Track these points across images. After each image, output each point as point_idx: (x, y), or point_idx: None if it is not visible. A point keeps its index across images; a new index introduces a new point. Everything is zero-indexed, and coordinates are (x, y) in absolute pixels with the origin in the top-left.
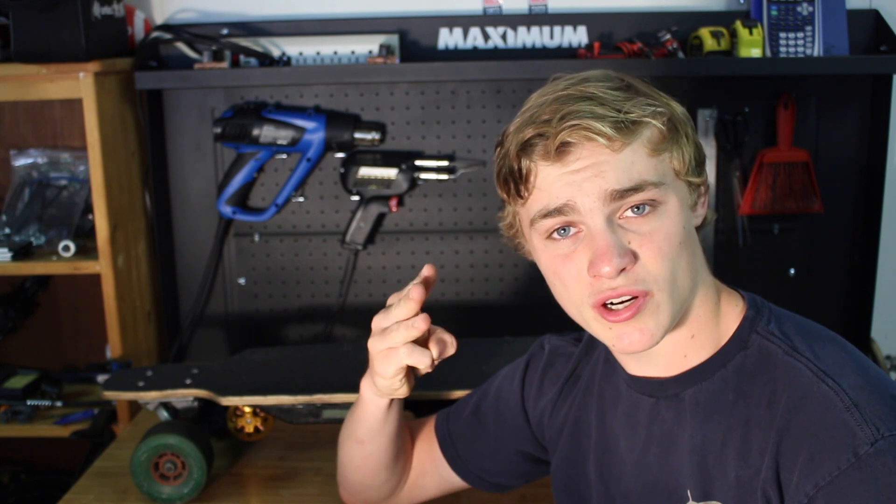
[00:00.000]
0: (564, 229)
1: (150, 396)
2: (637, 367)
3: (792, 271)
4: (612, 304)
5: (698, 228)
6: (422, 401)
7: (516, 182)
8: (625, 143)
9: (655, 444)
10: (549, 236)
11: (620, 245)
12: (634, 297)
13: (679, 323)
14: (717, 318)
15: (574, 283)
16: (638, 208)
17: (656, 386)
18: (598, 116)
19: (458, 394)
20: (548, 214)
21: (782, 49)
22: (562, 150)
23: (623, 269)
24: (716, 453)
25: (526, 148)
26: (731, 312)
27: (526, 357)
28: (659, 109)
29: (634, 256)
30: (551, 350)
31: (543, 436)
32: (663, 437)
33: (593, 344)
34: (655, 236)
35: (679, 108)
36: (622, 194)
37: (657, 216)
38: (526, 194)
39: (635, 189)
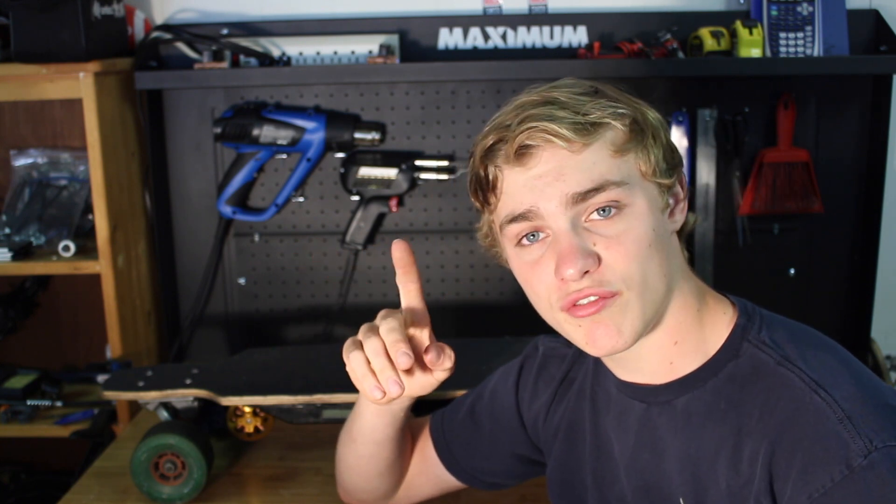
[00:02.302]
0: (533, 234)
1: (150, 396)
2: (624, 373)
3: (792, 271)
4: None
5: (680, 234)
6: (421, 401)
7: (484, 189)
8: (584, 144)
9: (646, 449)
10: (519, 242)
11: (584, 247)
12: (601, 297)
13: (658, 328)
14: (701, 325)
15: (544, 289)
16: (603, 210)
17: (647, 392)
18: (555, 118)
19: (458, 394)
20: (514, 219)
21: (782, 49)
22: (522, 152)
23: (587, 272)
24: (708, 463)
25: (489, 154)
26: (721, 320)
27: (520, 359)
28: (621, 111)
29: (599, 259)
30: (545, 352)
31: (538, 438)
32: (655, 442)
33: None
34: (622, 238)
35: (651, 114)
36: (583, 196)
37: (623, 218)
38: (494, 200)
39: (596, 189)
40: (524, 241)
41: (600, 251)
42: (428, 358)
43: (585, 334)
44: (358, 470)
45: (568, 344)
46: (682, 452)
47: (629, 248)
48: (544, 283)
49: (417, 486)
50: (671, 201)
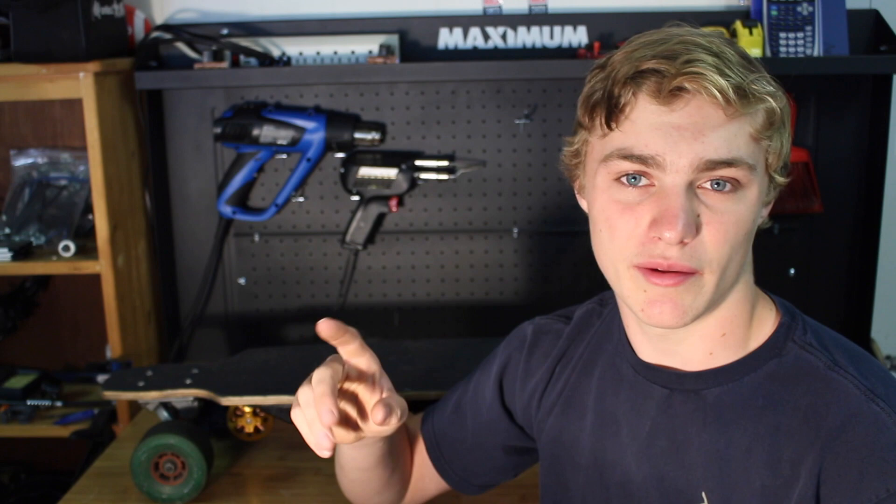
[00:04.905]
0: (636, 177)
1: (150, 396)
2: (654, 354)
3: (792, 271)
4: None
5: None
6: (421, 401)
7: (610, 110)
8: (738, 111)
9: (664, 437)
10: (617, 179)
11: (690, 214)
12: (681, 272)
13: (711, 318)
14: (750, 321)
15: (624, 238)
16: (719, 184)
17: (672, 377)
18: (724, 74)
19: None
20: (628, 157)
21: (782, 49)
22: (674, 93)
23: (684, 242)
24: (739, 460)
25: (637, 78)
26: (767, 317)
27: (502, 349)
28: (779, 93)
29: (698, 231)
30: (536, 329)
31: (531, 418)
32: (675, 431)
33: (588, 321)
34: (726, 217)
35: (785, 102)
36: (715, 165)
37: (735, 198)
38: (615, 125)
39: (729, 163)
40: (624, 179)
41: (701, 223)
42: (377, 419)
43: (646, 301)
44: (355, 492)
45: (562, 319)
46: (709, 445)
47: (728, 231)
48: (627, 232)
49: (423, 488)
50: (770, 197)
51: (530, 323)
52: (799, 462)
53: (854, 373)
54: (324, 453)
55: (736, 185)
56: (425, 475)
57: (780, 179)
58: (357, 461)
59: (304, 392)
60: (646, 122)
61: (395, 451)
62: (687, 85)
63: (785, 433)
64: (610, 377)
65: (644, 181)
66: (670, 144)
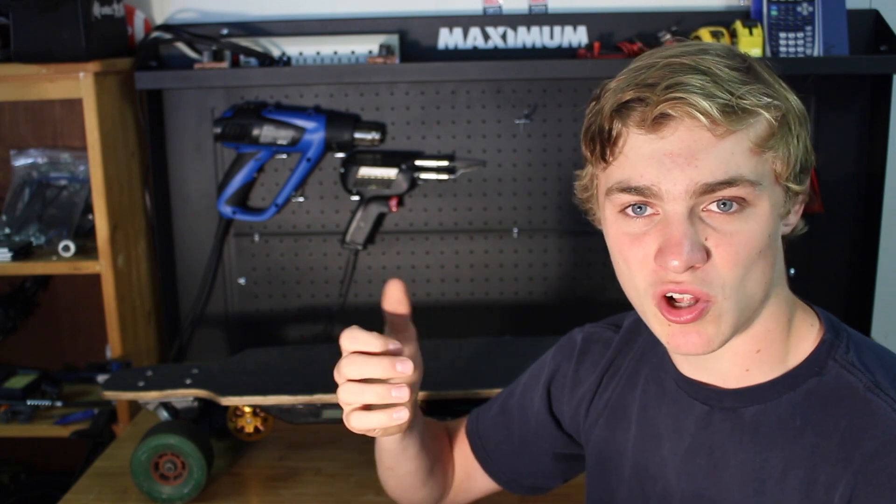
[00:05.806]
0: (640, 207)
1: (150, 396)
2: (692, 370)
3: (792, 271)
4: (673, 298)
5: (784, 237)
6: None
7: (603, 144)
8: (729, 130)
9: (703, 454)
10: (623, 211)
11: (695, 240)
12: (697, 299)
13: (744, 335)
14: (787, 336)
15: (638, 268)
16: (725, 204)
17: (712, 394)
18: (707, 94)
19: (456, 394)
20: (626, 190)
21: (782, 49)
22: (659, 121)
23: (692, 267)
24: (775, 481)
25: (621, 110)
26: (808, 332)
27: (552, 355)
28: (775, 102)
29: (707, 255)
30: (586, 337)
31: (579, 426)
32: (713, 449)
33: (636, 331)
34: (735, 238)
35: (797, 104)
36: (713, 188)
37: (743, 217)
38: (611, 158)
39: (728, 183)
40: (629, 211)
41: (710, 247)
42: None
43: (670, 334)
44: (403, 489)
45: (611, 327)
46: (745, 465)
47: (739, 252)
48: (640, 262)
49: (469, 487)
50: (793, 207)
51: (580, 330)
52: (833, 486)
53: (894, 396)
54: (403, 414)
55: (742, 203)
56: (471, 474)
57: (796, 188)
58: (408, 450)
59: (345, 391)
60: (638, 152)
61: (431, 443)
62: (670, 111)
63: (822, 455)
64: (653, 389)
65: (649, 210)
66: (664, 173)
